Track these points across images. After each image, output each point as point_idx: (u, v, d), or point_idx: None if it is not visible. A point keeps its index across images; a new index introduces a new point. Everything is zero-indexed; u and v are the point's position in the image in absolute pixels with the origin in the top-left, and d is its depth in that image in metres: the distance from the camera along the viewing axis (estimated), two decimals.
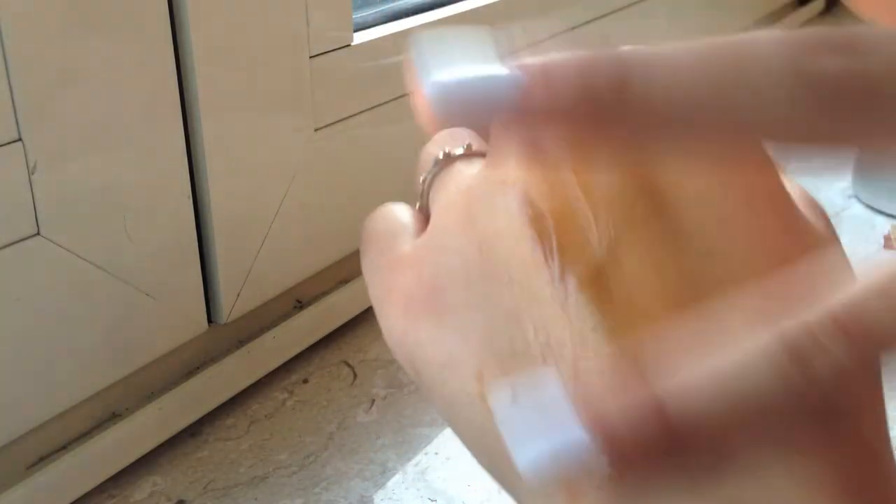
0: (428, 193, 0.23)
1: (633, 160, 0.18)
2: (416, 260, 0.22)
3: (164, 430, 0.39)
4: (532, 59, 0.16)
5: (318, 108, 0.43)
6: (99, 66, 0.32)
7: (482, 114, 0.17)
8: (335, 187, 0.45)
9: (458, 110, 0.17)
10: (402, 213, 0.24)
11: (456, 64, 0.17)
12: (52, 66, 0.31)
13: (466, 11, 0.51)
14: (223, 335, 0.42)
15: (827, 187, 0.62)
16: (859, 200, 0.61)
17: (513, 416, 0.16)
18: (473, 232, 0.20)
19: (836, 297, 0.15)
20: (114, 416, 0.37)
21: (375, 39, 0.45)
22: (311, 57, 0.41)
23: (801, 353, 0.15)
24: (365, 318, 0.48)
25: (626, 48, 0.17)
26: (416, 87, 0.17)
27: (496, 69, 0.16)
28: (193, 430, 0.40)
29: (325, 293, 0.46)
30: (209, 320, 0.40)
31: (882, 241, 0.56)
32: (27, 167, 0.31)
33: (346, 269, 0.48)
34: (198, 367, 0.40)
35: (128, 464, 0.37)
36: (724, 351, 0.15)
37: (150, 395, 0.38)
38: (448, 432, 0.40)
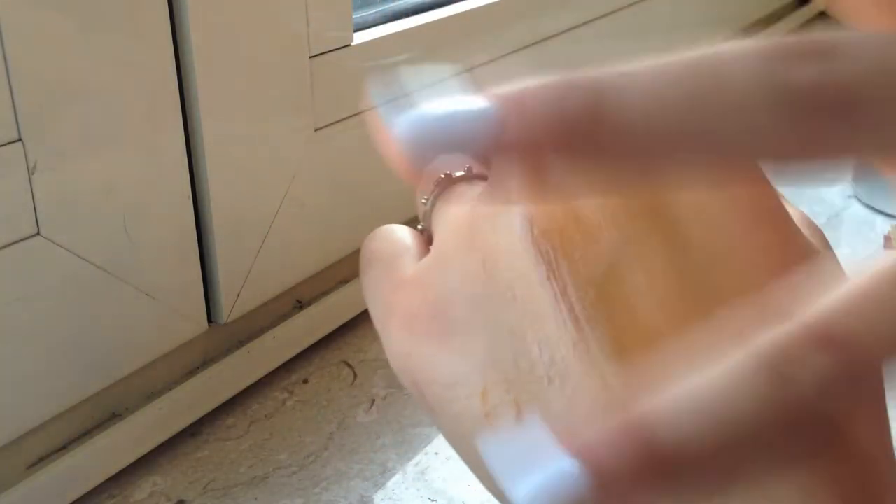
0: (430, 215, 0.24)
1: (618, 185, 0.18)
2: (420, 280, 0.22)
3: (164, 430, 0.39)
4: (504, 89, 0.16)
5: (318, 108, 0.43)
6: (99, 66, 0.32)
7: (457, 149, 0.16)
8: (335, 187, 0.45)
9: (431, 147, 0.16)
10: (403, 233, 0.25)
11: (423, 100, 0.16)
12: (52, 67, 0.31)
13: (466, 11, 0.51)
14: (223, 335, 0.42)
15: (827, 187, 0.62)
16: (859, 200, 0.61)
17: (500, 453, 0.16)
18: (477, 251, 0.20)
19: (815, 308, 0.15)
20: (114, 416, 0.37)
21: (375, 39, 0.45)
22: (311, 57, 0.41)
23: (777, 369, 0.14)
24: (365, 318, 0.48)
25: (599, 72, 0.16)
26: (383, 131, 0.17)
27: (468, 102, 0.16)
28: (193, 430, 0.40)
29: (325, 293, 0.46)
30: (209, 320, 0.40)
31: (882, 241, 0.56)
32: (27, 167, 0.31)
33: (346, 269, 0.48)
34: (198, 367, 0.40)
35: (128, 464, 0.37)
36: (705, 370, 0.15)
37: (150, 395, 0.38)
38: None
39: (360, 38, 0.44)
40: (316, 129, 0.43)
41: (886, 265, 0.15)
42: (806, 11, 1.08)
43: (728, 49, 0.15)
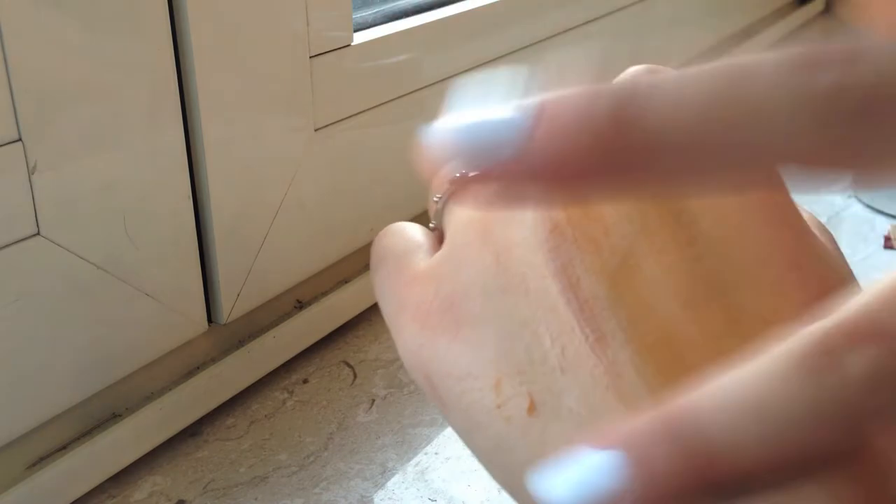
0: (442, 213, 0.24)
1: (641, 192, 0.18)
2: (433, 275, 0.22)
3: (164, 430, 0.39)
4: (533, 99, 0.16)
5: (318, 108, 0.43)
6: (99, 66, 0.32)
7: (484, 157, 0.16)
8: (335, 187, 0.45)
9: (458, 156, 0.17)
10: (414, 230, 0.25)
11: (463, 110, 0.17)
12: (52, 67, 0.31)
13: (466, 11, 0.51)
14: (223, 335, 0.42)
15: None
16: (859, 200, 0.61)
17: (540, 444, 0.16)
18: (491, 245, 0.21)
19: (854, 303, 0.15)
20: (114, 416, 0.37)
21: (375, 39, 0.45)
22: (311, 57, 0.41)
23: (825, 364, 0.14)
24: (365, 318, 0.48)
25: (625, 81, 0.17)
26: (418, 142, 0.17)
27: (498, 111, 0.16)
28: (193, 430, 0.40)
29: (325, 293, 0.46)
30: (209, 320, 0.40)
31: (882, 241, 0.56)
32: (27, 167, 0.31)
33: (346, 269, 0.48)
34: (198, 367, 0.40)
35: (128, 464, 0.37)
36: (740, 368, 0.15)
37: (150, 395, 0.38)
38: (448, 432, 0.40)
39: (360, 38, 0.44)
40: (316, 129, 0.43)
41: None
42: (806, 11, 1.08)
43: (752, 59, 0.16)
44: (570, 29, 0.62)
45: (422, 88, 0.49)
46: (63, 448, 0.35)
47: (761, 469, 0.14)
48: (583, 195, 0.17)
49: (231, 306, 0.40)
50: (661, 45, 0.77)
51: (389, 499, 0.36)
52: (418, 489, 0.37)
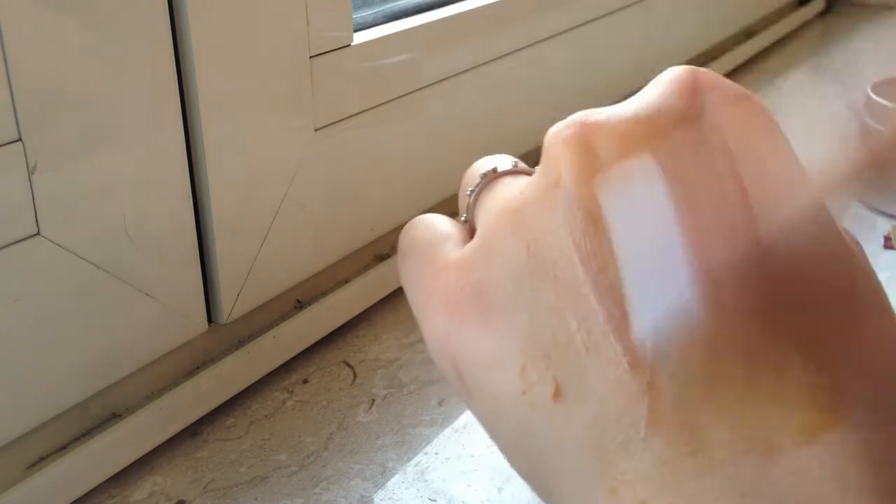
0: (474, 207, 0.24)
1: None
2: (464, 264, 0.22)
3: (164, 430, 0.39)
4: None
5: (318, 108, 0.43)
6: (99, 66, 0.32)
7: None
8: (335, 187, 0.45)
9: None
10: (443, 222, 0.25)
11: None
12: (52, 67, 0.31)
13: (466, 11, 0.51)
14: (223, 335, 0.42)
15: None
16: (859, 200, 0.61)
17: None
18: (523, 233, 0.21)
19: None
20: (114, 416, 0.37)
21: (375, 39, 0.45)
22: (311, 57, 0.41)
23: None
24: (365, 317, 0.48)
25: None
26: None
27: None
28: (193, 430, 0.40)
29: (325, 293, 0.46)
30: (209, 320, 0.40)
31: (882, 241, 0.56)
32: (27, 167, 0.31)
33: (346, 269, 0.48)
34: (198, 367, 0.40)
35: (128, 464, 0.37)
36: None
37: (150, 395, 0.38)
38: (448, 432, 0.40)
39: (360, 38, 0.44)
40: (316, 129, 0.43)
41: None
42: (806, 11, 1.08)
43: None
44: (570, 29, 0.62)
45: (422, 88, 0.49)
46: (63, 448, 0.35)
47: None
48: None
49: (231, 306, 0.40)
50: (662, 45, 0.77)
51: (389, 499, 0.36)
52: (418, 489, 0.37)
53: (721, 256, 0.18)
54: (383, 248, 0.51)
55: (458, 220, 0.25)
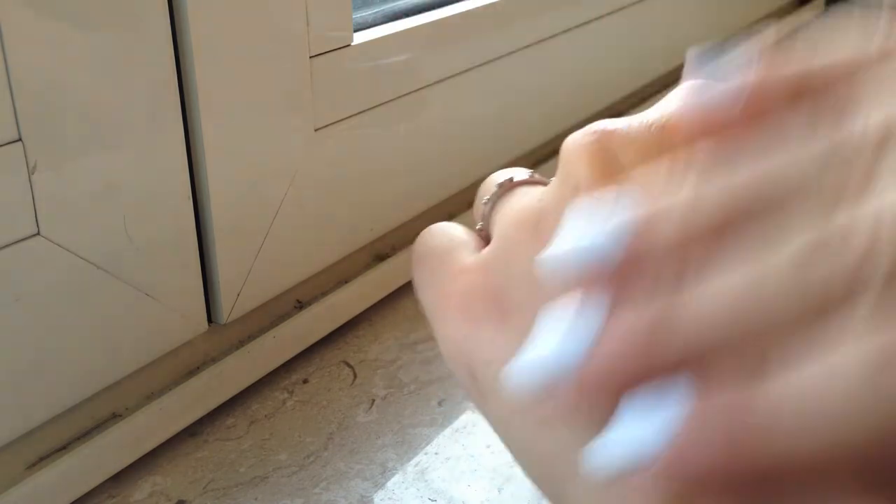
0: (490, 215, 0.24)
1: None
2: (481, 267, 0.22)
3: (164, 430, 0.39)
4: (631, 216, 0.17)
5: (318, 108, 0.43)
6: (99, 66, 0.32)
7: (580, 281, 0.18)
8: (335, 187, 0.45)
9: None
10: (458, 230, 0.25)
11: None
12: (52, 67, 0.31)
13: (466, 11, 0.51)
14: (223, 335, 0.42)
15: None
16: None
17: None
18: (542, 237, 0.21)
19: None
20: (114, 416, 0.37)
21: (375, 39, 0.45)
22: (311, 57, 0.41)
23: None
24: (365, 317, 0.48)
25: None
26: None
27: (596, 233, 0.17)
28: (193, 430, 0.40)
29: (325, 293, 0.46)
30: (209, 320, 0.40)
31: None
32: (27, 167, 0.31)
33: (346, 269, 0.48)
34: (198, 367, 0.40)
35: (128, 464, 0.37)
36: (810, 368, 0.14)
37: (150, 395, 0.38)
38: (448, 432, 0.40)
39: (360, 38, 0.44)
40: (316, 129, 0.43)
41: None
42: (806, 11, 1.08)
43: None
44: (570, 29, 0.62)
45: (422, 88, 0.49)
46: (63, 448, 0.35)
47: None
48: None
49: (231, 306, 0.40)
50: (662, 45, 0.77)
51: (389, 499, 0.36)
52: (418, 489, 0.37)
53: None
54: (383, 248, 0.51)
55: (473, 230, 0.25)
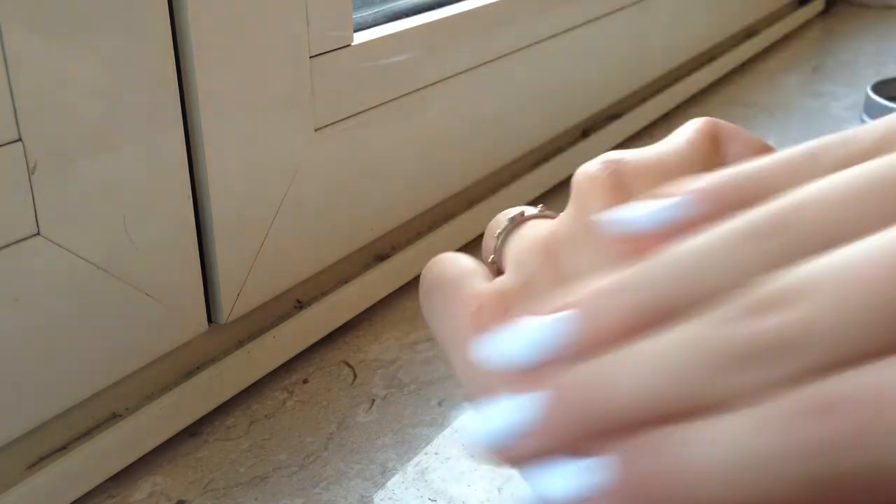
0: (502, 248, 0.24)
1: None
2: (498, 293, 0.23)
3: (164, 430, 0.39)
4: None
5: (318, 108, 0.43)
6: (99, 65, 0.32)
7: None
8: (335, 187, 0.45)
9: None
10: (467, 260, 0.25)
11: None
12: (52, 66, 0.31)
13: (466, 11, 0.51)
14: (223, 335, 0.42)
15: None
16: None
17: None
18: (556, 269, 0.21)
19: None
20: (114, 416, 0.37)
21: (375, 39, 0.45)
22: (311, 57, 0.41)
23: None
24: (365, 318, 0.48)
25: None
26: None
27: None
28: (193, 430, 0.40)
29: (325, 293, 0.46)
30: (209, 320, 0.40)
31: None
32: (27, 167, 0.31)
33: (346, 269, 0.48)
34: (198, 367, 0.40)
35: (128, 464, 0.37)
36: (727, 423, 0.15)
37: (150, 395, 0.38)
38: (448, 432, 0.40)
39: (360, 38, 0.45)
40: (316, 129, 0.43)
41: None
42: (806, 11, 1.08)
43: None
44: (570, 29, 0.62)
45: (422, 88, 0.49)
46: (63, 448, 0.35)
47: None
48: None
49: (231, 306, 0.40)
50: (662, 44, 0.77)
51: (389, 499, 0.36)
52: (418, 489, 0.37)
53: None
54: (383, 248, 0.51)
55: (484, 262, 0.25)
